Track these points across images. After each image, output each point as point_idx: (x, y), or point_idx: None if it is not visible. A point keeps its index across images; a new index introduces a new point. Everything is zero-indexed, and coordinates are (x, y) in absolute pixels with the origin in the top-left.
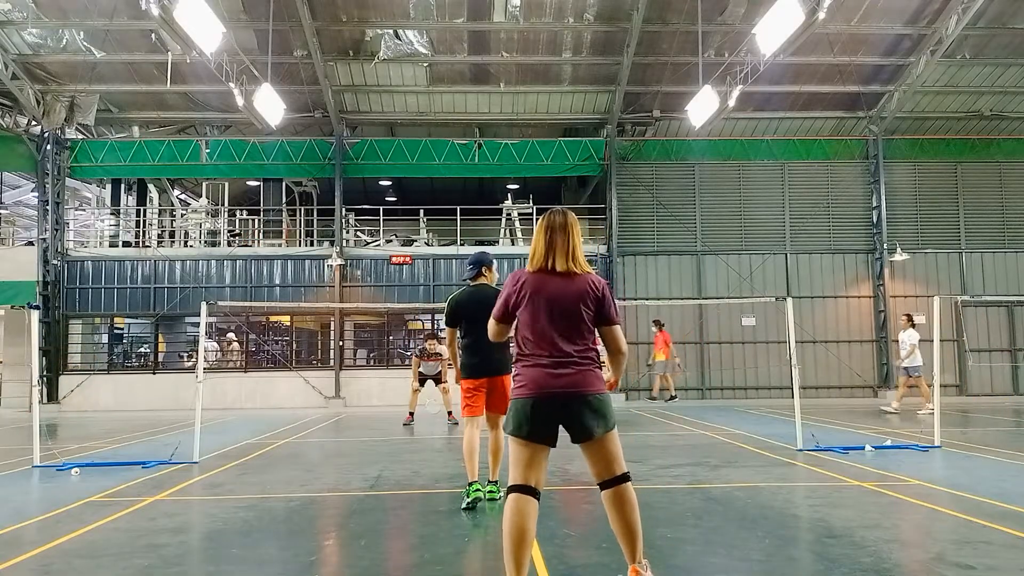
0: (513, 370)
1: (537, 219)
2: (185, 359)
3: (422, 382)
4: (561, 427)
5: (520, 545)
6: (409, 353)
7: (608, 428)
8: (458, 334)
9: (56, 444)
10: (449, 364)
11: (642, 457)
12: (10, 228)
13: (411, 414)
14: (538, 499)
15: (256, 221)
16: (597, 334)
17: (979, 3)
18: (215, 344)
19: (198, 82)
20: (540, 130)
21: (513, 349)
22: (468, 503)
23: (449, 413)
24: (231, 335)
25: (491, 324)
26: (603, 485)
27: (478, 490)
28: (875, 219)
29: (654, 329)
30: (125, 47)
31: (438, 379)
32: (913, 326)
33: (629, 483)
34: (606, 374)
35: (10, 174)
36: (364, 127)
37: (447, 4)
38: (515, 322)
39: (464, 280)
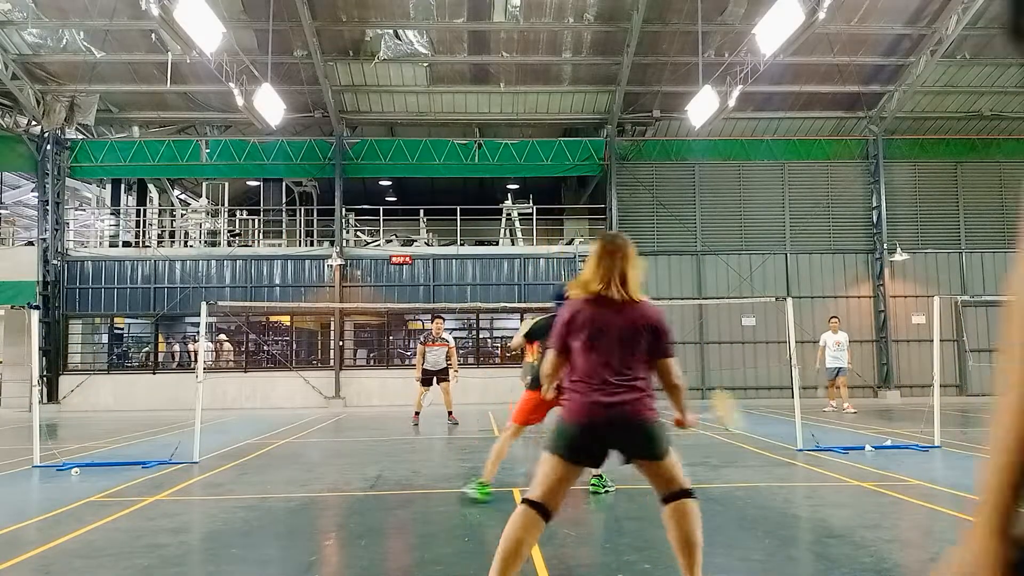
0: (565, 394)
1: (537, 219)
2: (172, 359)
3: (427, 382)
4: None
5: (516, 560)
6: (410, 352)
7: (662, 454)
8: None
9: (56, 444)
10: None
11: None
12: (10, 228)
13: (417, 413)
14: (548, 523)
15: (256, 221)
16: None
17: (979, 3)
18: (209, 344)
19: (198, 82)
20: (540, 130)
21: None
22: (475, 499)
23: (449, 413)
24: (222, 336)
25: (550, 355)
26: (664, 500)
27: (487, 492)
28: (875, 219)
29: None
30: (125, 47)
31: (442, 377)
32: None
33: (690, 499)
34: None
35: (10, 174)
36: (364, 127)
37: (447, 4)
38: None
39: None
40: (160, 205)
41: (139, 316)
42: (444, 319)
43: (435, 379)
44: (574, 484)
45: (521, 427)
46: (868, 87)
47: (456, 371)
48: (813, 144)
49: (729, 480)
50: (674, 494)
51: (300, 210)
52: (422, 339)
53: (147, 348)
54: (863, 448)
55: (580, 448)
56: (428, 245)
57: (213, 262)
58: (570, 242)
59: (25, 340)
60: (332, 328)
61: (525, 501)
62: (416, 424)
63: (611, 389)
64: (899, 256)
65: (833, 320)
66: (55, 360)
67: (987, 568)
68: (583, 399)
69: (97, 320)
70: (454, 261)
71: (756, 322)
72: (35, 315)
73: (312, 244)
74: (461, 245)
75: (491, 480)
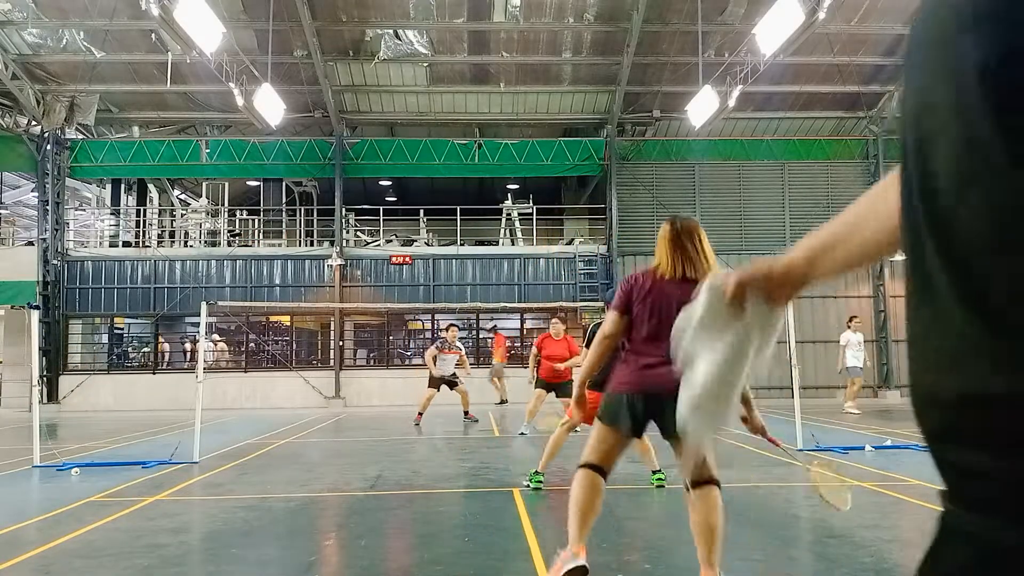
0: (617, 366)
1: (537, 219)
2: (162, 359)
3: (436, 385)
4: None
5: (592, 511)
6: (410, 352)
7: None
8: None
9: (56, 444)
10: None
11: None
12: (10, 228)
13: (420, 414)
14: (606, 480)
15: (256, 221)
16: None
17: None
18: (210, 344)
19: (198, 82)
20: (540, 130)
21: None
22: (531, 487)
23: (466, 413)
24: (215, 336)
25: (610, 315)
26: (691, 486)
27: (540, 481)
28: None
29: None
30: (125, 47)
31: (453, 383)
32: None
33: (716, 488)
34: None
35: (10, 174)
36: (364, 127)
37: (447, 4)
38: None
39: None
40: (160, 205)
41: (139, 316)
42: (459, 327)
43: (444, 383)
44: (624, 449)
45: (575, 424)
46: (868, 87)
47: (468, 372)
48: (813, 144)
49: (729, 480)
50: (703, 480)
51: (300, 210)
52: (438, 345)
53: (146, 348)
54: (863, 448)
55: (624, 415)
56: (428, 245)
57: (213, 262)
58: (570, 242)
59: (25, 340)
60: (332, 328)
61: (588, 466)
62: (418, 424)
63: (660, 360)
64: (899, 256)
65: (856, 320)
66: (55, 360)
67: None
68: (632, 369)
69: (97, 320)
70: (454, 261)
71: None
72: (35, 315)
73: (312, 244)
74: (461, 245)
75: (544, 470)
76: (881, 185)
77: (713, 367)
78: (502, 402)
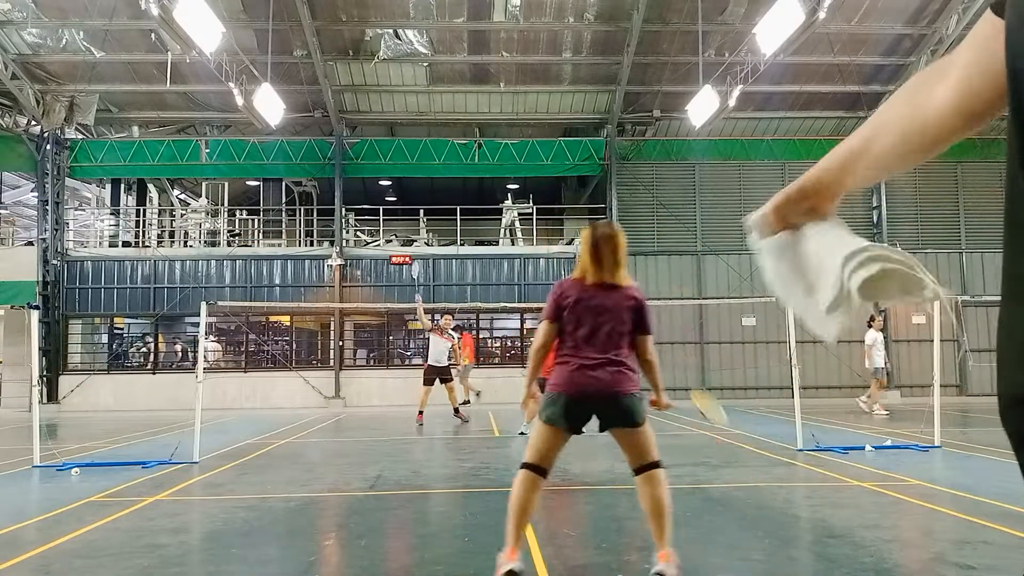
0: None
1: (537, 219)
2: (146, 358)
3: (430, 381)
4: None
5: (526, 515)
6: (410, 352)
7: (639, 422)
8: None
9: (56, 444)
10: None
11: None
12: (10, 228)
13: (421, 412)
14: (545, 478)
15: (256, 221)
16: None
17: (979, 3)
18: (216, 346)
19: (198, 82)
20: (540, 130)
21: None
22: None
23: (456, 411)
24: (211, 337)
25: (543, 326)
26: (637, 471)
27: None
28: (875, 219)
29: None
30: (125, 47)
31: (445, 377)
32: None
33: (660, 469)
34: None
35: (10, 174)
36: (364, 127)
37: (447, 4)
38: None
39: None
40: (160, 205)
41: (139, 316)
42: (453, 317)
43: (438, 378)
44: (563, 447)
45: None
46: (868, 87)
47: (459, 365)
48: (813, 144)
49: (729, 480)
50: (646, 465)
51: (300, 210)
52: (436, 323)
53: (144, 348)
54: (863, 448)
55: (565, 415)
56: (428, 245)
57: (213, 262)
58: (570, 242)
59: (25, 340)
60: (332, 328)
61: (524, 465)
62: (421, 424)
63: (597, 362)
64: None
65: (878, 318)
66: (55, 360)
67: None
68: (570, 370)
69: (97, 320)
70: (454, 261)
71: (756, 322)
72: (35, 315)
73: (312, 244)
74: (461, 245)
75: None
76: (914, 81)
77: (830, 257)
78: (466, 403)
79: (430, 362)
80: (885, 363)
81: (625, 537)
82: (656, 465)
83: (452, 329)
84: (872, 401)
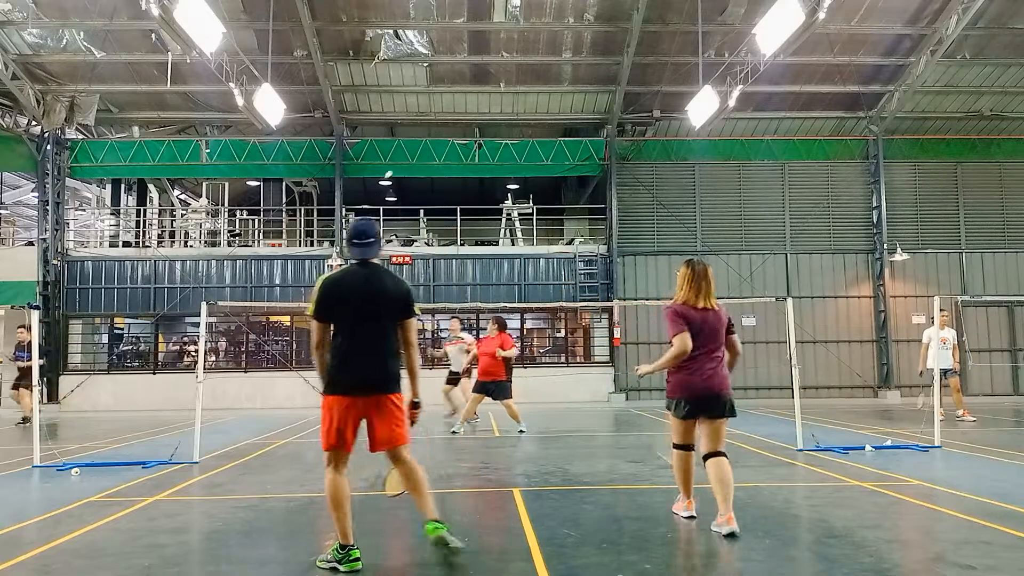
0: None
1: (537, 219)
2: (134, 358)
3: (454, 382)
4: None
5: (690, 474)
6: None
7: (734, 415)
8: None
9: (56, 444)
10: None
11: (643, 457)
12: (10, 228)
13: (453, 412)
14: (693, 451)
15: (256, 221)
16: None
17: (979, 3)
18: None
19: (198, 82)
20: (540, 130)
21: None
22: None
23: (453, 411)
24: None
25: (684, 335)
26: (709, 456)
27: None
28: (875, 219)
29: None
30: (125, 47)
31: (455, 380)
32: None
33: (725, 457)
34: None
35: (10, 174)
36: (364, 127)
37: (447, 4)
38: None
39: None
40: (160, 205)
41: (139, 316)
42: (459, 318)
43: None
44: (695, 431)
45: None
46: (868, 87)
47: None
48: (813, 144)
49: None
50: (715, 452)
51: (300, 210)
52: (445, 339)
53: (143, 348)
54: (863, 448)
55: (693, 411)
56: (428, 245)
57: (213, 262)
58: (570, 242)
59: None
60: None
61: (678, 446)
62: (469, 422)
63: (711, 368)
64: (899, 256)
65: (944, 314)
66: (55, 360)
67: None
68: (693, 376)
69: (97, 320)
70: (454, 261)
71: (756, 322)
72: (35, 315)
73: (312, 244)
74: (461, 245)
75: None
76: None
77: None
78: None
79: (452, 368)
80: (954, 363)
81: (625, 537)
82: (723, 454)
83: (461, 331)
84: (957, 405)
